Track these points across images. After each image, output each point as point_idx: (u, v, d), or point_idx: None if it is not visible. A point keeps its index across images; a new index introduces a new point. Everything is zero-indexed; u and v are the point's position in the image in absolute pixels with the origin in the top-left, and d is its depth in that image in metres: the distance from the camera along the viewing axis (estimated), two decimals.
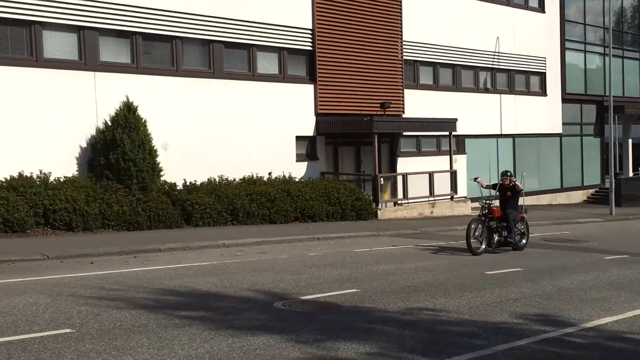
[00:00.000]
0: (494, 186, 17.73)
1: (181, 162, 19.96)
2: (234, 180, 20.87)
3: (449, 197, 26.18)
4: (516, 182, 17.15)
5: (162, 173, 18.99)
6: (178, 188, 19.40)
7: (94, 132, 18.52)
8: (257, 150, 22.06)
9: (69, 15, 18.14)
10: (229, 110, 21.47)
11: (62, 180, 17.24)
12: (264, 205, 20.21)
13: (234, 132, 21.49)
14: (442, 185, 25.79)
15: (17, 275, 11.53)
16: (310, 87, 23.82)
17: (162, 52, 20.41)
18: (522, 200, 17.88)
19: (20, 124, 17.26)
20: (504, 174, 17.24)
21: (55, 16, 17.91)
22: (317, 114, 23.94)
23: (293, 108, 23.26)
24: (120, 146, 17.82)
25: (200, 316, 8.92)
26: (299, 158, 23.56)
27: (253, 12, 22.05)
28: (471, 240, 16.06)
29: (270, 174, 21.92)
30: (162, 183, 19.03)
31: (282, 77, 23.14)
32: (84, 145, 18.46)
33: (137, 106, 18.54)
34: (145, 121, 18.60)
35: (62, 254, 13.70)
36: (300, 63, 23.80)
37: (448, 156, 26.31)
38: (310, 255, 15.30)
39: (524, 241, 17.52)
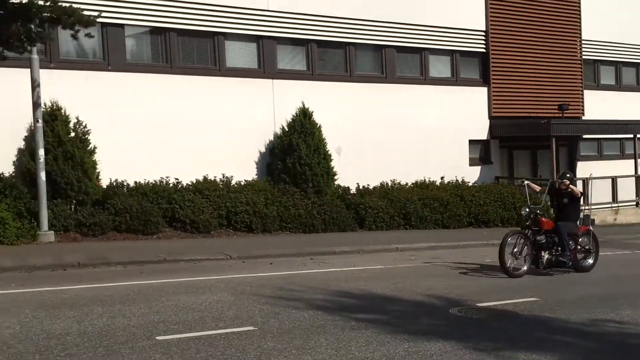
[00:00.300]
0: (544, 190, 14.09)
1: (354, 166, 20.21)
2: (406, 184, 20.89)
3: (635, 203, 24.77)
4: (572, 187, 13.40)
5: (335, 177, 19.35)
6: (351, 192, 19.68)
7: (271, 137, 19.22)
8: (428, 154, 21.91)
9: (249, 26, 18.96)
10: (401, 114, 21.49)
11: (242, 183, 18.02)
12: (437, 209, 20.07)
13: (405, 136, 21.48)
14: (627, 191, 24.45)
15: (203, 273, 12.16)
16: (484, 89, 23.37)
17: (336, 58, 20.84)
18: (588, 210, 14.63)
19: (205, 130, 18.18)
20: (562, 176, 13.63)
21: (236, 27, 18.79)
22: (490, 117, 23.45)
23: (465, 111, 22.90)
24: (297, 151, 18.37)
25: (376, 319, 8.97)
26: (472, 162, 23.18)
27: (425, 16, 21.97)
28: (505, 258, 12.60)
29: (442, 178, 21.72)
30: (335, 187, 19.40)
31: (454, 80, 22.88)
32: (263, 150, 19.20)
33: (312, 112, 19.03)
34: (320, 126, 19.05)
35: (243, 254, 14.30)
36: (472, 66, 23.43)
37: (633, 160, 24.89)
38: (486, 261, 14.97)
39: (590, 260, 13.76)
